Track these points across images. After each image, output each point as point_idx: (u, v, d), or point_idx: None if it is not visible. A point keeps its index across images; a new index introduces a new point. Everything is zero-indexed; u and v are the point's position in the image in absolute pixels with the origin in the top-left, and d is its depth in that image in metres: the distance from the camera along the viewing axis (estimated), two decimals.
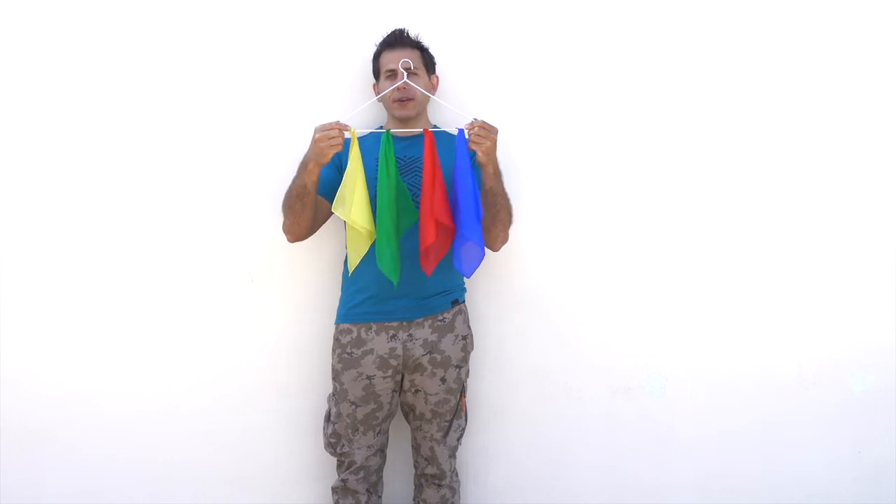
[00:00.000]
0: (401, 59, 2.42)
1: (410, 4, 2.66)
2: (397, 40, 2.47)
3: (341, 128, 2.26)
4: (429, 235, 2.29)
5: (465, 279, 2.58)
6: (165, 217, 2.68)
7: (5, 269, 2.65)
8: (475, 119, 2.29)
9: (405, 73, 2.41)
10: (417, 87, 2.43)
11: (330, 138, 2.25)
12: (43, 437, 2.69)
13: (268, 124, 2.66)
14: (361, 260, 2.38)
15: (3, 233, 2.65)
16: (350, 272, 2.40)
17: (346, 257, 2.50)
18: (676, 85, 2.74)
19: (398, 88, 2.42)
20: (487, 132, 2.27)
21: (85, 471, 2.71)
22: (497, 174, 2.38)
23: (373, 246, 2.33)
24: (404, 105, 2.45)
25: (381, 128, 2.54)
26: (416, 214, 2.36)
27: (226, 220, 2.68)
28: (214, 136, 2.67)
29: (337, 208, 2.29)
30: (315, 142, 2.27)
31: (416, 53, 2.48)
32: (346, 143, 2.31)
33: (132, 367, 2.69)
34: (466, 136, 2.27)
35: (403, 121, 2.48)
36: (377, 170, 2.32)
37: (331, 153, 2.27)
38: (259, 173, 2.66)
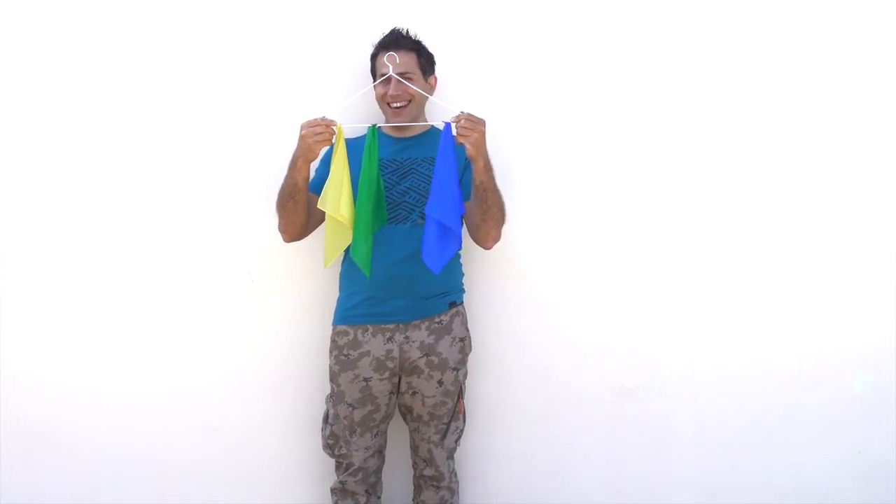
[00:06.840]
0: (394, 63, 2.37)
1: (405, 0, 2.64)
2: (393, 42, 2.42)
3: (328, 123, 2.25)
4: None
5: (463, 281, 2.57)
6: (165, 217, 2.67)
7: (5, 269, 2.66)
8: (462, 112, 2.25)
9: (395, 78, 2.35)
10: (410, 85, 2.39)
11: (316, 133, 2.24)
12: (43, 436, 2.70)
13: (268, 125, 2.65)
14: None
15: (3, 233, 2.65)
16: (325, 265, 2.37)
17: (344, 258, 2.51)
18: (673, 82, 2.72)
19: (389, 94, 2.39)
20: (474, 124, 2.23)
21: (85, 470, 2.72)
22: (488, 168, 2.31)
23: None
24: (398, 112, 2.42)
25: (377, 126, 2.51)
26: (386, 219, 2.36)
27: (225, 222, 2.68)
28: (214, 137, 2.67)
29: (322, 205, 2.26)
30: (302, 138, 2.25)
31: (412, 56, 2.43)
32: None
33: (132, 367, 2.69)
34: (453, 130, 2.24)
35: (399, 126, 2.47)
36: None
37: (318, 149, 2.26)
38: (258, 174, 2.64)
